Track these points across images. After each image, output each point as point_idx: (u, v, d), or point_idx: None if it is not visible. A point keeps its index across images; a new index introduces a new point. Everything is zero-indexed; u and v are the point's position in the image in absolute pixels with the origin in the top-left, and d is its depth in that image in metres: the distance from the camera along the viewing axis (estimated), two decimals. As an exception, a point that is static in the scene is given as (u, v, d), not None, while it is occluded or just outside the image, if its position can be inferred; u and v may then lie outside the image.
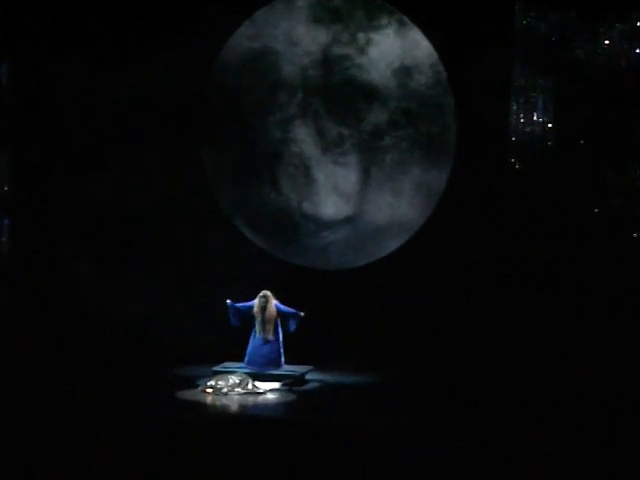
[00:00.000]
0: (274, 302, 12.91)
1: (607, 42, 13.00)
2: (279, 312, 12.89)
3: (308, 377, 12.89)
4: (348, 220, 14.42)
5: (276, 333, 12.90)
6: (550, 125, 13.23)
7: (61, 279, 14.14)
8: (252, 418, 11.39)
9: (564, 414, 10.90)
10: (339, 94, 14.32)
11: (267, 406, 11.86)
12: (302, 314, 12.85)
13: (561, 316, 12.94)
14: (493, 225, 13.48)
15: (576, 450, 9.76)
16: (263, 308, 12.87)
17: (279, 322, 12.93)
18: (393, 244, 14.26)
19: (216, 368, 12.68)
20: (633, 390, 11.68)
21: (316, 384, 12.77)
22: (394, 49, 14.17)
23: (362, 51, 14.26)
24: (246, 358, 12.84)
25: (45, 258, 14.20)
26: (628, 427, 10.46)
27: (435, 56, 14.01)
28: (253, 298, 12.98)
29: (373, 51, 14.22)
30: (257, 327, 12.88)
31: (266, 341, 12.82)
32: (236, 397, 11.99)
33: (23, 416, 10.44)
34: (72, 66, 14.03)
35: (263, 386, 12.34)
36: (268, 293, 12.94)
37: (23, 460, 9.68)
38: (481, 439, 10.06)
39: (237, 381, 12.15)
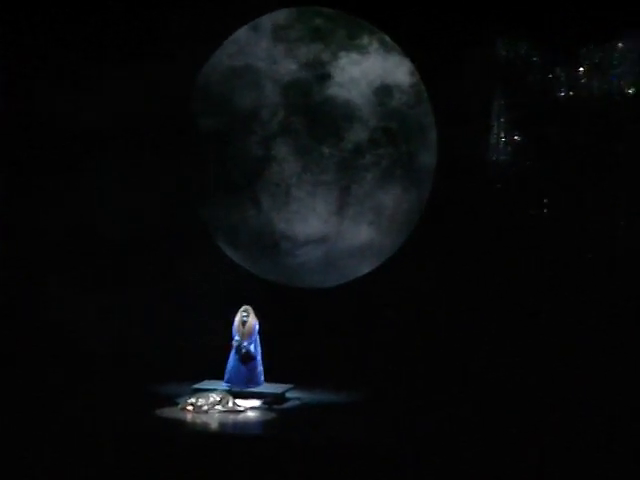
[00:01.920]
0: (254, 321, 12.92)
1: (585, 65, 13.12)
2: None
3: (288, 395, 12.88)
4: (329, 238, 14.44)
5: (255, 351, 12.89)
6: (530, 143, 13.33)
7: (40, 297, 14.08)
8: (232, 436, 11.38)
9: (548, 429, 10.97)
10: (320, 113, 14.37)
11: (247, 424, 11.85)
12: (255, 358, 12.83)
13: (542, 334, 13.02)
14: (474, 243, 13.54)
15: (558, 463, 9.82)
16: (244, 322, 12.89)
17: (257, 339, 12.93)
18: (374, 262, 14.29)
19: (196, 386, 12.65)
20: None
21: (296, 402, 12.76)
22: (375, 68, 14.24)
23: (343, 70, 14.31)
24: (226, 376, 12.83)
25: (23, 275, 14.14)
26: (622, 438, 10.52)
27: (416, 75, 14.09)
28: (232, 315, 12.98)
29: (354, 70, 14.27)
30: (238, 338, 12.86)
31: (246, 356, 12.80)
32: (216, 415, 11.97)
33: (4, 436, 10.39)
34: (51, 84, 14.03)
35: (243, 404, 12.32)
36: (249, 308, 12.96)
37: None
38: (463, 453, 10.08)
39: (217, 399, 12.14)
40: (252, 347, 12.83)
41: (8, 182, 14.19)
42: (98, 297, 13.96)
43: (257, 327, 12.90)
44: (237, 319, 12.92)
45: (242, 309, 12.95)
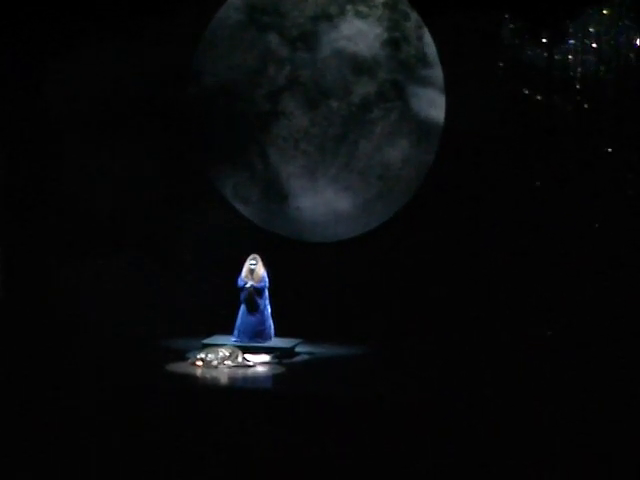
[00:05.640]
0: (263, 269, 12.94)
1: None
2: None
3: (297, 350, 12.94)
4: (337, 192, 14.42)
5: (263, 306, 12.92)
6: (539, 97, 13.28)
7: (51, 262, 14.10)
8: (242, 390, 11.45)
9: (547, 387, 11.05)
10: (327, 66, 14.30)
11: (257, 379, 11.92)
12: (259, 308, 12.88)
13: (548, 298, 13.12)
14: (482, 197, 13.52)
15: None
16: (252, 270, 12.92)
17: (266, 292, 12.95)
18: (382, 216, 14.28)
19: (206, 341, 12.71)
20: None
21: (305, 356, 12.82)
22: (382, 21, 14.15)
23: (350, 23, 14.22)
24: (235, 332, 12.87)
25: (31, 243, 14.14)
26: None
27: (424, 28, 13.99)
28: (242, 270, 13.02)
29: (361, 23, 14.18)
30: (249, 285, 12.89)
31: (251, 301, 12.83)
32: (226, 370, 12.04)
33: (14, 394, 10.47)
34: (56, 43, 13.93)
35: (253, 359, 12.38)
36: (257, 256, 12.99)
37: (14, 432, 9.70)
38: (470, 406, 10.15)
39: (227, 354, 12.19)
40: (262, 297, 12.87)
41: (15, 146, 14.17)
42: (110, 256, 14.00)
43: (266, 276, 12.93)
44: (245, 267, 12.94)
45: (250, 257, 12.98)
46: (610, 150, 13.02)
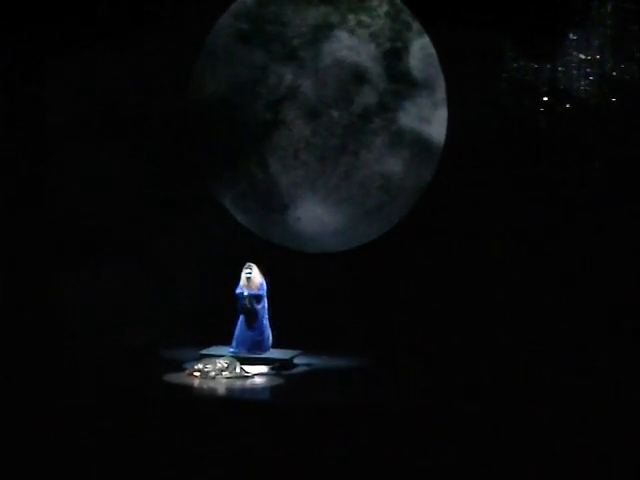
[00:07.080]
0: (260, 277, 12.88)
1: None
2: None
3: (296, 361, 12.89)
4: (337, 203, 14.39)
5: (262, 316, 12.86)
6: (542, 109, 13.27)
7: (46, 269, 14.05)
8: (239, 402, 11.40)
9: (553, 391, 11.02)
10: (328, 76, 14.28)
11: (254, 390, 11.88)
12: (257, 314, 12.82)
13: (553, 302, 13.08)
14: (484, 209, 13.49)
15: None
16: (249, 279, 12.87)
17: (265, 302, 12.89)
18: (383, 227, 14.24)
19: (204, 351, 12.66)
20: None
21: (304, 368, 12.77)
22: (384, 31, 14.13)
23: (352, 32, 14.20)
24: (233, 342, 12.83)
25: (29, 250, 14.09)
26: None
27: (426, 38, 13.97)
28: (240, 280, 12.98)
29: (363, 32, 14.17)
30: (246, 294, 12.83)
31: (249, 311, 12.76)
32: (223, 381, 12.00)
33: (14, 403, 10.42)
34: (59, 52, 13.92)
35: (251, 370, 12.34)
36: (252, 264, 12.95)
37: (14, 443, 9.65)
38: (469, 418, 10.09)
39: (225, 365, 12.16)
40: (260, 305, 12.83)
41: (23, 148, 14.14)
42: (108, 265, 13.95)
43: (264, 283, 12.87)
44: (242, 277, 12.90)
45: (245, 266, 12.96)
46: (613, 165, 13.01)
